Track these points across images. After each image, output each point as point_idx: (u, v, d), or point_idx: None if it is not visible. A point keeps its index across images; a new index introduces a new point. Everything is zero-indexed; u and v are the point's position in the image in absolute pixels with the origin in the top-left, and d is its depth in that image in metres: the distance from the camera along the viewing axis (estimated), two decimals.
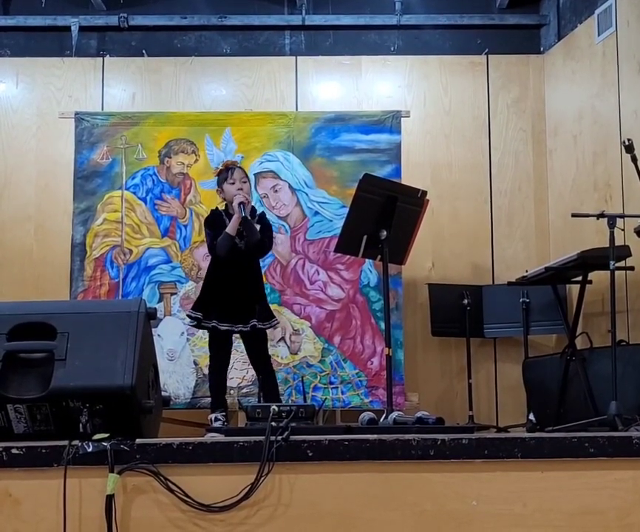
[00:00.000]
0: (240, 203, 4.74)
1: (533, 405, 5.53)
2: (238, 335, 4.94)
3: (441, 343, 6.34)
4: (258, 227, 4.87)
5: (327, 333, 5.81)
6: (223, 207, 4.99)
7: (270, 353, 5.07)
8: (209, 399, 5.06)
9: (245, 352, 5.05)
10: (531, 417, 5.47)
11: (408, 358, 5.96)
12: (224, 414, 4.74)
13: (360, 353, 5.81)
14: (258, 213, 5.08)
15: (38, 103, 6.54)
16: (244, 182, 4.91)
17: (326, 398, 5.67)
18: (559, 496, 2.77)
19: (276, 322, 5.05)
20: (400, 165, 5.95)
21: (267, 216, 5.23)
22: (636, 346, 4.95)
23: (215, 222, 4.92)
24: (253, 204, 5.03)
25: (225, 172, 4.95)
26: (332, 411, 5.81)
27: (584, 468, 2.78)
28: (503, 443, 2.79)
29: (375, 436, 2.79)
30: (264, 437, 2.75)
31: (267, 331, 4.98)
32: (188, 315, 4.96)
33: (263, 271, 5.21)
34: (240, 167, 5.06)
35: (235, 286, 4.80)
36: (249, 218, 4.80)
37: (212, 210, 5.05)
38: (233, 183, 4.87)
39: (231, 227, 4.77)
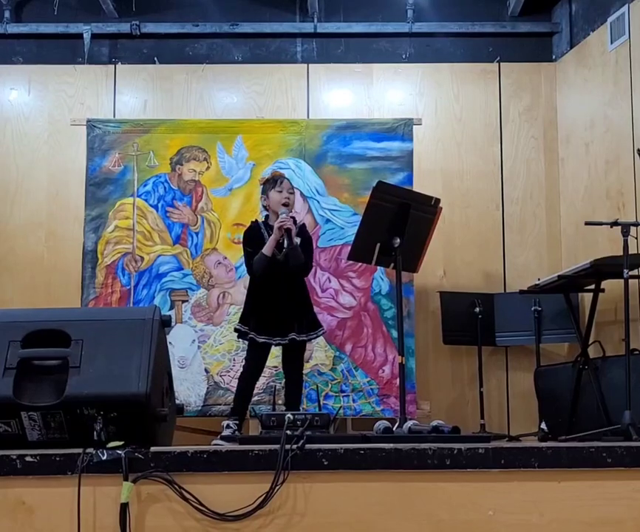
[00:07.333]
0: (286, 229, 4.63)
1: (545, 414, 5.49)
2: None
3: (452, 351, 6.33)
4: (298, 240, 4.75)
5: (339, 341, 5.80)
6: (262, 219, 4.91)
7: None
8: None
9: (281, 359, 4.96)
10: (543, 426, 5.45)
11: (419, 366, 5.94)
12: (236, 422, 4.68)
13: (371, 361, 5.80)
14: (299, 223, 4.98)
15: (49, 110, 6.56)
16: (291, 193, 4.83)
17: (339, 407, 5.65)
18: (576, 506, 2.75)
19: (322, 332, 4.94)
20: (412, 173, 5.95)
21: None
22: None
23: (253, 238, 4.81)
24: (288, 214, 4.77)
25: (273, 181, 4.87)
26: (343, 419, 5.79)
27: (602, 477, 2.76)
28: (520, 453, 2.77)
29: (391, 445, 2.77)
30: (279, 446, 2.73)
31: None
32: (235, 329, 4.85)
33: None
34: (288, 179, 4.97)
35: (275, 298, 4.71)
36: (296, 245, 4.68)
37: (251, 224, 4.95)
38: (281, 192, 4.78)
39: (268, 248, 4.67)
